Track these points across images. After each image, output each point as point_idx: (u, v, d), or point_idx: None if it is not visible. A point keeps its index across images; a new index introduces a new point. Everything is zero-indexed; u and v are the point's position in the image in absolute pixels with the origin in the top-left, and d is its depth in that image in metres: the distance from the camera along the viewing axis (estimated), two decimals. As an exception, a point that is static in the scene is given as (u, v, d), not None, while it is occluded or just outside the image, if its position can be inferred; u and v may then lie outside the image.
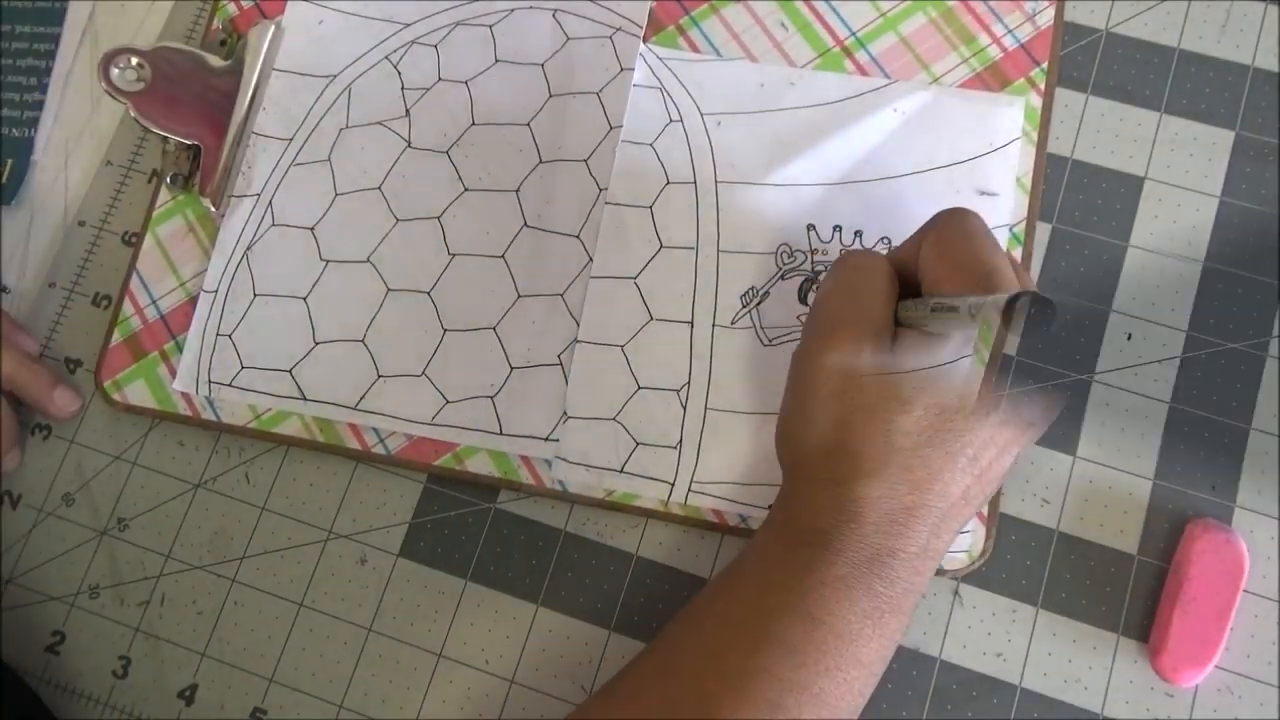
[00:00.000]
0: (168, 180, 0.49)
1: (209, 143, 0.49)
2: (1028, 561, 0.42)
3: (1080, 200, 0.45)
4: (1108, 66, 0.46)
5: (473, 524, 0.45)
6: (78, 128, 0.52)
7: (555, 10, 0.49)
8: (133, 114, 0.48)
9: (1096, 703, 0.41)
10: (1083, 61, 0.46)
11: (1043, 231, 0.45)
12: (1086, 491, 0.43)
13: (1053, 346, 0.44)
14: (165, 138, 0.49)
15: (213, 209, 0.48)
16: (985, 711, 0.41)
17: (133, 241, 0.50)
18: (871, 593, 0.36)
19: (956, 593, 0.42)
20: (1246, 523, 0.42)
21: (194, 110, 0.49)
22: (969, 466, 0.37)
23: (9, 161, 0.51)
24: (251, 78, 0.50)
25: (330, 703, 0.44)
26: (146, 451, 0.47)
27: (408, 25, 0.50)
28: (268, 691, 0.44)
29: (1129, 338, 0.44)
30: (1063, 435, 0.43)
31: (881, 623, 0.36)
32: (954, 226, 0.38)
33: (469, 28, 0.50)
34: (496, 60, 0.49)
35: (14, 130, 0.52)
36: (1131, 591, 0.42)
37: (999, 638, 0.42)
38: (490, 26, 0.50)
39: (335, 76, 0.50)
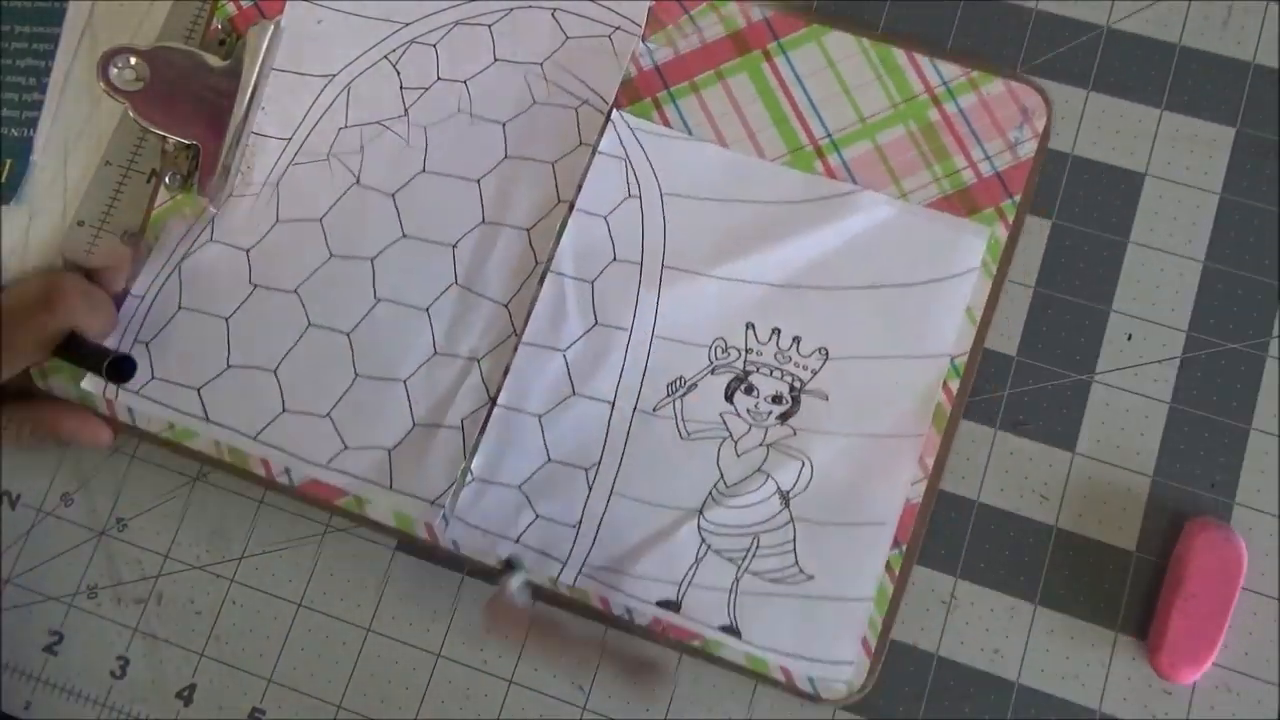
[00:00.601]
0: (166, 180, 0.49)
1: (208, 143, 0.49)
2: (1026, 558, 0.42)
3: (1080, 197, 0.45)
4: (1109, 63, 0.46)
5: (471, 523, 0.45)
6: (77, 128, 0.52)
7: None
8: (131, 114, 0.48)
9: (1094, 699, 0.41)
10: (1084, 57, 0.46)
11: (1043, 228, 0.45)
12: (1086, 488, 0.43)
13: (1054, 347, 0.44)
14: (164, 137, 0.49)
15: (212, 209, 0.48)
16: (983, 708, 0.41)
17: (129, 241, 0.50)
18: None
19: (953, 593, 0.42)
20: (1246, 521, 0.42)
21: (193, 110, 0.49)
22: None
23: (8, 161, 0.51)
24: (251, 77, 0.49)
25: (329, 703, 0.44)
26: (144, 452, 0.47)
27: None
28: (266, 691, 0.44)
29: (1129, 338, 0.44)
30: (1062, 433, 0.43)
31: None
32: None
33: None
34: (459, 111, 0.48)
35: (13, 130, 0.52)
36: (1130, 589, 0.42)
37: (997, 634, 0.42)
38: (464, 82, 0.49)
39: (334, 76, 0.50)
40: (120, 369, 0.44)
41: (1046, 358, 0.44)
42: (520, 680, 0.43)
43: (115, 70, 0.48)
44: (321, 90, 0.50)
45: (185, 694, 0.45)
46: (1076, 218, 0.45)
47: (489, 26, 0.49)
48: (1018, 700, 0.41)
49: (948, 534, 0.43)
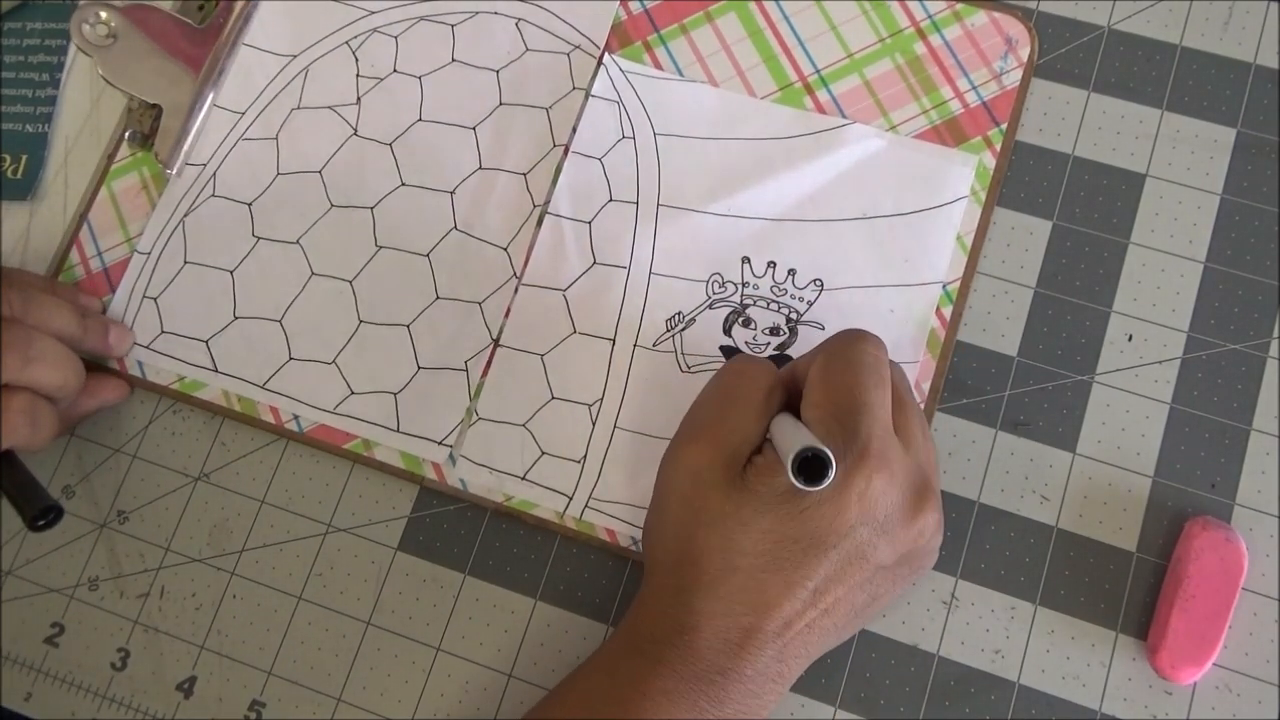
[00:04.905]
0: (126, 135, 0.50)
1: (170, 106, 0.49)
2: (1026, 559, 0.42)
3: (1081, 198, 0.45)
4: (1109, 63, 0.46)
5: (471, 518, 0.45)
6: (78, 125, 0.52)
7: (519, 20, 0.50)
8: (99, 70, 0.49)
9: (1095, 700, 0.41)
10: (1084, 58, 0.46)
11: (1043, 228, 0.45)
12: (1086, 489, 0.43)
13: (1055, 347, 0.44)
14: (130, 95, 0.49)
15: (167, 171, 0.49)
16: (983, 708, 0.41)
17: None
18: (696, 708, 0.35)
19: (954, 593, 0.42)
20: (1246, 521, 0.42)
21: (160, 71, 0.50)
22: (811, 599, 0.36)
23: (23, 156, 0.51)
24: (221, 48, 0.50)
25: (329, 696, 0.44)
26: (146, 445, 0.47)
27: (372, 13, 0.51)
28: (266, 684, 0.44)
29: (1129, 339, 0.44)
30: (1063, 433, 0.43)
31: None
32: (843, 352, 0.38)
33: (431, 23, 0.50)
34: (453, 60, 0.49)
35: (28, 126, 0.52)
36: (1130, 589, 0.42)
37: (997, 634, 0.42)
38: (452, 25, 0.50)
39: (295, 56, 0.50)
40: (45, 517, 0.41)
41: (1047, 358, 0.44)
42: (519, 674, 0.44)
43: (88, 27, 0.49)
44: (281, 69, 0.50)
45: (185, 686, 0.45)
46: (1077, 218, 0.45)
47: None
48: (1018, 700, 0.41)
49: (948, 534, 0.43)
